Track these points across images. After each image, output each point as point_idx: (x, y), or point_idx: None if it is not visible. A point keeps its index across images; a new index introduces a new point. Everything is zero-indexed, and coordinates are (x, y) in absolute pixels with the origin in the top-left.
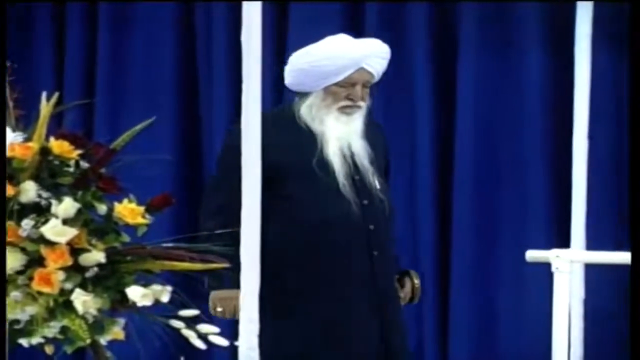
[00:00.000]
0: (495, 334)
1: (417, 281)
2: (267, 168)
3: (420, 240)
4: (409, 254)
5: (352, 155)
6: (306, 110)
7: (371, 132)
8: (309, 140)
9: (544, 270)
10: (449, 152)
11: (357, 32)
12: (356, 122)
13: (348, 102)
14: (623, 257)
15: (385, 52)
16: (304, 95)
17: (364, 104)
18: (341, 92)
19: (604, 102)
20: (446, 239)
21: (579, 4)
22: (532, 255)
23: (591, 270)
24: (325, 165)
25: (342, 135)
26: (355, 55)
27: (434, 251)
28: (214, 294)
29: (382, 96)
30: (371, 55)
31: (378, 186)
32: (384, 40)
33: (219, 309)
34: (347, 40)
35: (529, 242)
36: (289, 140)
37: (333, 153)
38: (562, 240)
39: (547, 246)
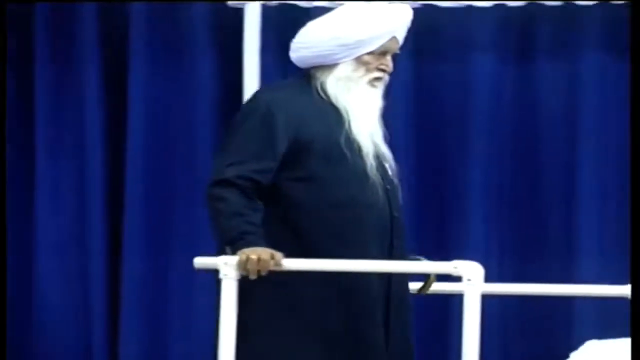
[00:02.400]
0: (165, 340)
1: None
2: (294, 142)
3: (91, 248)
4: (80, 260)
5: (373, 135)
6: (333, 83)
7: None
8: (335, 117)
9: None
10: (121, 159)
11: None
12: (379, 98)
13: (380, 73)
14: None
15: (410, 21)
16: (325, 68)
17: (388, 77)
18: (374, 62)
19: None
20: (117, 247)
21: (247, 9)
22: (201, 262)
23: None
24: (352, 144)
25: (370, 112)
26: (393, 22)
27: (105, 259)
28: (244, 249)
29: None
30: (404, 24)
31: (390, 171)
32: None
33: (254, 256)
34: (384, 7)
35: (201, 249)
36: (315, 115)
37: (362, 132)
38: None
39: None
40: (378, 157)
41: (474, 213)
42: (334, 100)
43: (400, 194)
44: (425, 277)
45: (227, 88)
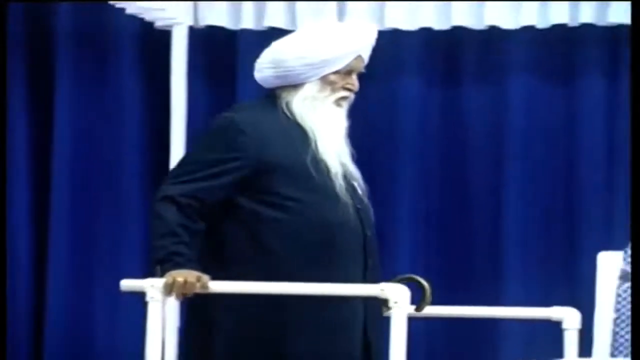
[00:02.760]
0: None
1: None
2: (258, 163)
3: (15, 268)
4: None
5: (340, 155)
6: (299, 103)
7: None
8: (301, 137)
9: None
10: (47, 180)
11: None
12: (344, 117)
13: (345, 93)
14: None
15: (375, 39)
16: (291, 88)
17: (353, 96)
18: (339, 81)
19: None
20: (42, 268)
21: (175, 31)
22: (127, 284)
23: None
24: (319, 163)
25: (336, 131)
26: (358, 41)
27: (29, 282)
28: (171, 271)
29: None
30: (369, 43)
31: (360, 191)
32: None
33: (180, 278)
34: (349, 26)
35: (126, 271)
36: (280, 135)
37: (328, 151)
38: None
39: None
40: (346, 177)
41: (401, 236)
42: (299, 120)
43: (371, 213)
44: (421, 295)
45: (154, 110)
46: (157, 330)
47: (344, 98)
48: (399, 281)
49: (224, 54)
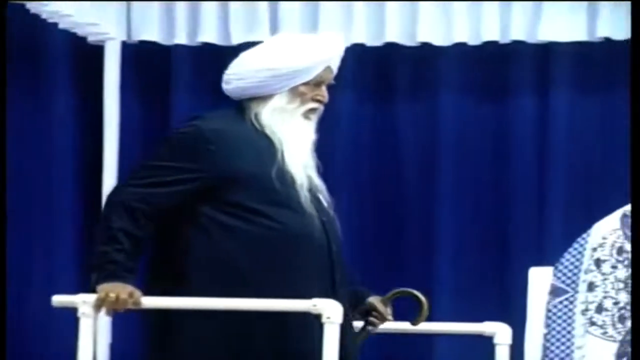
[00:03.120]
0: None
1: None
2: (221, 172)
3: None
4: None
5: (307, 167)
6: (268, 114)
7: None
8: (268, 148)
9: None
10: None
11: None
12: (312, 129)
13: (315, 104)
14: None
15: (343, 50)
16: (260, 99)
17: (322, 107)
18: (309, 92)
19: (132, 143)
20: None
21: (107, 46)
22: (59, 300)
23: (118, 315)
24: (285, 175)
25: (303, 144)
26: (327, 52)
27: None
28: (104, 285)
29: None
30: (338, 53)
31: (326, 203)
32: None
33: (112, 294)
34: (319, 37)
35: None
36: (246, 146)
37: (295, 163)
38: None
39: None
40: (312, 189)
41: None
42: (268, 131)
43: (338, 227)
44: (418, 309)
45: (87, 125)
46: (89, 347)
47: (313, 110)
48: (395, 295)
49: (157, 70)
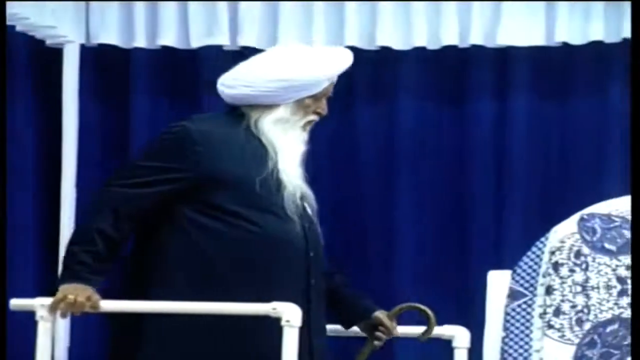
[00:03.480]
0: None
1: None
2: (204, 173)
3: None
4: None
5: (298, 176)
6: (269, 124)
7: None
8: (259, 154)
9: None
10: None
11: None
12: (305, 140)
13: (315, 117)
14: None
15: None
16: (263, 107)
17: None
18: (312, 105)
19: (91, 146)
20: None
21: (66, 49)
22: (17, 303)
23: (77, 319)
24: (272, 182)
25: (298, 154)
26: (338, 66)
27: None
28: (65, 286)
29: None
30: (345, 67)
31: (310, 210)
32: None
33: (71, 296)
34: (328, 50)
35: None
36: (235, 150)
37: (288, 172)
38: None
39: (33, 294)
40: (301, 197)
41: None
42: (264, 138)
43: (319, 235)
44: (427, 323)
45: (45, 129)
46: (47, 350)
47: (310, 122)
48: (402, 310)
49: (117, 73)
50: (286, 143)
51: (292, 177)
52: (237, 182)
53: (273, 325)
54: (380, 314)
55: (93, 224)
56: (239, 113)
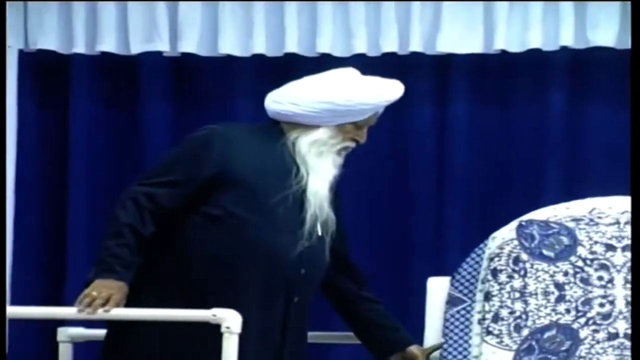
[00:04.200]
0: None
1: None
2: (218, 175)
3: None
4: None
5: (323, 199)
6: (306, 143)
7: None
8: (287, 170)
9: None
10: None
11: None
12: (338, 166)
13: (352, 143)
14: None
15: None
16: (305, 127)
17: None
18: (352, 132)
19: (30, 153)
20: None
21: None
22: None
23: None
24: (295, 199)
25: (329, 177)
26: (387, 98)
27: None
28: (98, 282)
29: None
30: (395, 99)
31: (320, 232)
32: None
33: (94, 293)
34: (379, 81)
35: None
36: (260, 160)
37: (315, 194)
38: None
39: None
40: (323, 222)
41: None
42: (299, 157)
43: (321, 259)
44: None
45: None
46: None
47: (346, 148)
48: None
49: (56, 79)
50: (319, 165)
51: (319, 199)
52: (249, 188)
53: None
54: (415, 349)
55: (123, 220)
56: (279, 129)
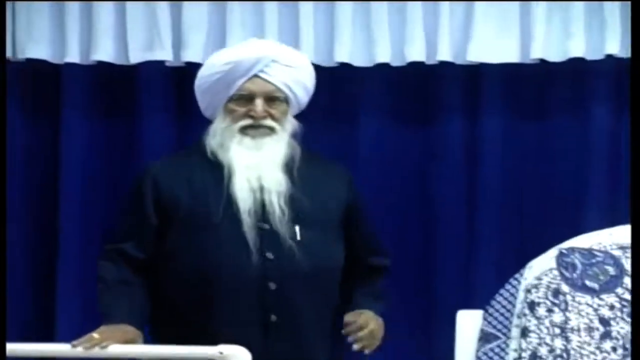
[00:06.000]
0: None
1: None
2: (161, 210)
3: None
4: None
5: (263, 193)
6: (211, 138)
7: (317, 168)
8: (217, 177)
9: None
10: None
11: None
12: (270, 149)
13: (248, 121)
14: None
15: (287, 58)
16: (210, 126)
17: (273, 123)
18: (239, 109)
19: (17, 170)
20: None
21: None
22: None
23: None
24: (230, 205)
25: (250, 163)
26: (239, 59)
27: None
28: (102, 327)
29: None
30: (263, 59)
31: (298, 236)
32: None
33: (96, 335)
34: (236, 45)
35: None
36: (191, 179)
37: (240, 188)
38: None
39: None
40: (260, 220)
41: None
42: (217, 155)
43: (301, 262)
44: None
45: None
46: None
47: (250, 126)
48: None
49: (47, 90)
50: (231, 155)
51: (246, 193)
52: (189, 210)
53: None
54: (351, 316)
55: (107, 277)
56: (200, 141)
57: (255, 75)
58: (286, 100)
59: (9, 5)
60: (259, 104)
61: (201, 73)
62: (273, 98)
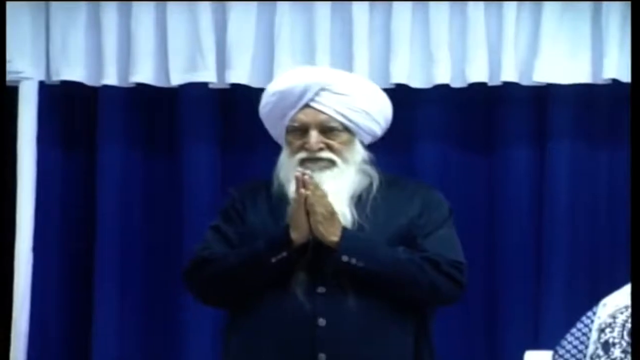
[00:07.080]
0: None
1: None
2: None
3: None
4: None
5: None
6: (278, 170)
7: (393, 193)
8: (281, 208)
9: None
10: None
11: None
12: (329, 185)
13: (304, 154)
14: None
15: (338, 84)
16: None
17: (331, 155)
18: (295, 141)
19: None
20: None
21: (22, 87)
22: None
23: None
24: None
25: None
26: (286, 88)
27: None
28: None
29: None
30: (311, 87)
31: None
32: None
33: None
34: (284, 73)
35: None
36: (258, 212)
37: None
38: None
39: None
40: (322, 252)
41: None
42: (282, 188)
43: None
44: None
45: None
46: None
47: (307, 159)
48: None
49: (82, 114)
50: (291, 187)
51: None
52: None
53: None
54: None
55: (216, 256)
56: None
57: (307, 105)
58: (348, 130)
59: (42, 24)
60: (314, 135)
61: (261, 101)
62: (330, 128)
